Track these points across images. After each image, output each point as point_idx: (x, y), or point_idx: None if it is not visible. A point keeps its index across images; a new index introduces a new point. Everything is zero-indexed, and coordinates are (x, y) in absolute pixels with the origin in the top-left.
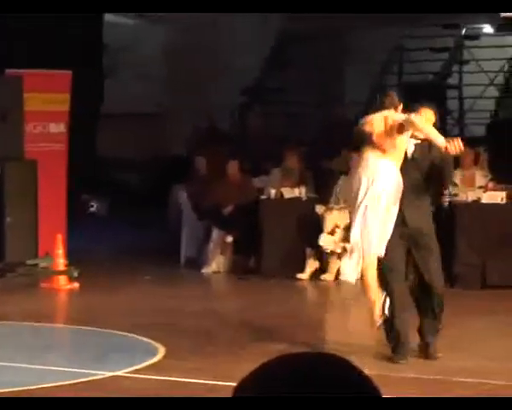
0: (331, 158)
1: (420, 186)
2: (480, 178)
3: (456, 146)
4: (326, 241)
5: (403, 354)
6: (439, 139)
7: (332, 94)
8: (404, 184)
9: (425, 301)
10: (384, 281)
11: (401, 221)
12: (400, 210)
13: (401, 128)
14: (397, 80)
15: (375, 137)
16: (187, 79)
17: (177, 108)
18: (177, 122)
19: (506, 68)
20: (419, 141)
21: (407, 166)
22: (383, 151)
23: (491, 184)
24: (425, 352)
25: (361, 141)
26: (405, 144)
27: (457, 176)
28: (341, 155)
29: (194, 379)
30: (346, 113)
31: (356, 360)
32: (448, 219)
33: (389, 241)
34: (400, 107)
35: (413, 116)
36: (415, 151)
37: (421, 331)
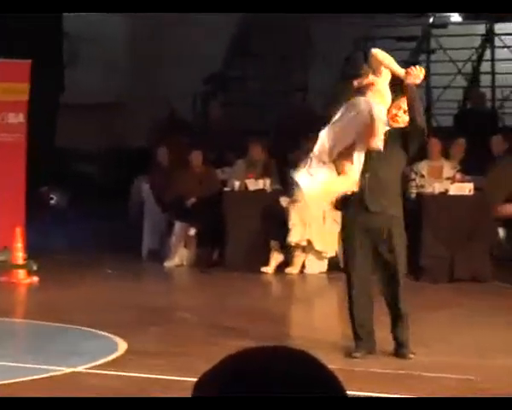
0: (295, 149)
1: (390, 179)
2: (448, 169)
3: (416, 72)
4: (292, 234)
5: (359, 346)
6: (399, 69)
7: (296, 84)
8: (373, 176)
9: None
10: (345, 269)
11: (365, 210)
12: (363, 199)
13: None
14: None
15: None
16: (149, 69)
17: (139, 98)
18: (138, 113)
19: (474, 57)
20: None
21: (378, 159)
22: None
23: (458, 176)
24: (396, 351)
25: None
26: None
27: (425, 167)
28: (302, 146)
29: (155, 375)
30: (310, 103)
31: (320, 355)
32: (415, 211)
33: (350, 229)
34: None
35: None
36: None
37: (392, 331)
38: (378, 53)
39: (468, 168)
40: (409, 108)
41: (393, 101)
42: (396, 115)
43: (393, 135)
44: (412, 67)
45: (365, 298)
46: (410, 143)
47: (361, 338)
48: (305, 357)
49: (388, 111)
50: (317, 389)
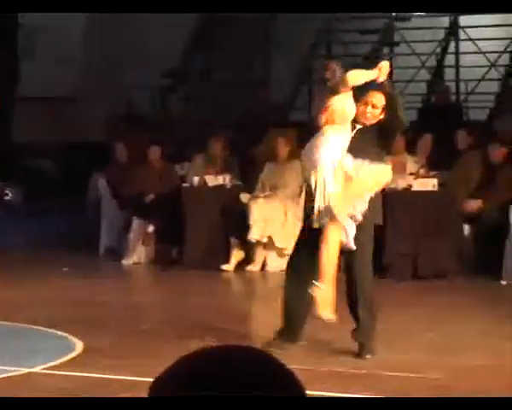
0: (256, 144)
1: None
2: (412, 164)
3: (385, 68)
4: (252, 231)
5: (281, 340)
6: (372, 74)
7: (258, 77)
8: None
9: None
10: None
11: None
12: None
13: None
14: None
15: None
16: (106, 62)
17: (96, 92)
18: (95, 107)
19: (438, 50)
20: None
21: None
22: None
23: (422, 171)
24: (357, 352)
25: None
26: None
27: (387, 163)
28: (264, 141)
29: (113, 375)
30: (272, 96)
31: (281, 354)
32: None
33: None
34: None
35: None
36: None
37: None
38: (352, 77)
39: (433, 163)
40: (391, 104)
41: (358, 97)
42: (365, 112)
43: (366, 133)
44: (381, 64)
45: (300, 293)
46: (390, 138)
47: (283, 328)
48: (263, 356)
49: (356, 109)
50: (275, 388)
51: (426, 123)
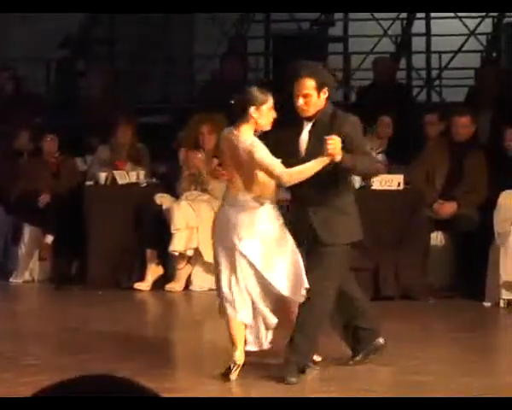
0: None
1: None
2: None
3: (335, 148)
4: (174, 241)
5: None
6: (317, 166)
7: (177, 47)
8: None
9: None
10: None
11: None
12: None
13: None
14: (263, 31)
15: None
16: None
17: None
18: None
19: (403, 15)
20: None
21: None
22: None
23: (380, 157)
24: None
25: None
26: None
27: None
28: (186, 128)
29: None
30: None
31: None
32: None
33: None
34: (267, 104)
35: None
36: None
37: None
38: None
39: (394, 155)
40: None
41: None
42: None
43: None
44: (329, 143)
45: None
46: None
47: None
48: (131, 387)
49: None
50: None
51: (362, 104)
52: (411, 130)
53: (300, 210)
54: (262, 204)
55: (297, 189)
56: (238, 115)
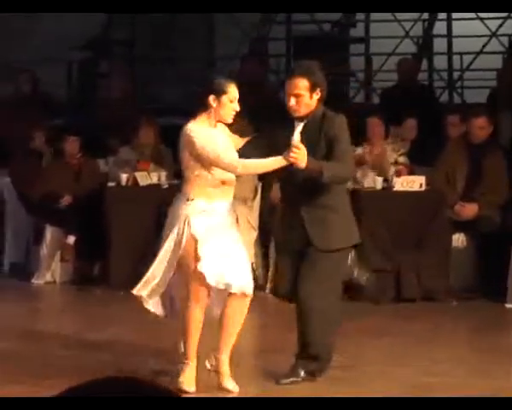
0: None
1: None
2: (391, 153)
3: (294, 155)
4: None
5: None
6: (274, 165)
7: (200, 48)
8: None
9: None
10: None
11: None
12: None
13: None
14: (284, 32)
15: None
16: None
17: None
18: None
19: (425, 16)
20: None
21: None
22: None
23: (402, 159)
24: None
25: None
26: None
27: (365, 154)
28: None
29: None
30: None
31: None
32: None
33: None
34: (228, 94)
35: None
36: None
37: None
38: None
39: (417, 157)
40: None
41: None
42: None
43: None
44: (293, 150)
45: None
46: None
47: None
48: (153, 389)
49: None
50: None
51: (388, 107)
52: (433, 131)
53: (292, 210)
54: None
55: (287, 187)
56: (199, 107)
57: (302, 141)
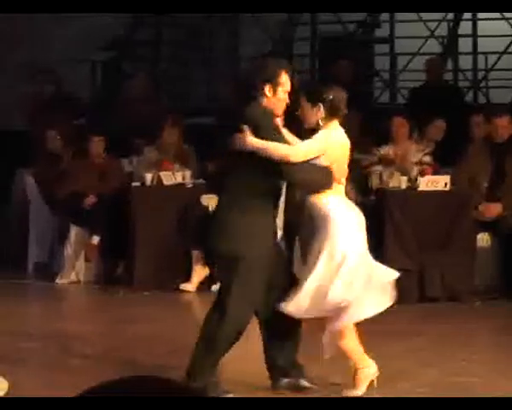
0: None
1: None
2: (416, 153)
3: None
4: None
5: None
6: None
7: (221, 49)
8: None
9: None
10: None
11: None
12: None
13: None
14: (309, 32)
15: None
16: (24, 27)
17: (14, 67)
18: (14, 86)
19: (450, 16)
20: None
21: None
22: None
23: (426, 159)
24: None
25: None
26: None
27: (389, 153)
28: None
29: None
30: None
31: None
32: (375, 213)
33: None
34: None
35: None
36: None
37: None
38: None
39: (442, 157)
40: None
41: None
42: None
43: None
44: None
45: None
46: None
47: None
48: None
49: None
50: None
51: (415, 107)
52: (458, 131)
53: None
54: None
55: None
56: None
57: None
